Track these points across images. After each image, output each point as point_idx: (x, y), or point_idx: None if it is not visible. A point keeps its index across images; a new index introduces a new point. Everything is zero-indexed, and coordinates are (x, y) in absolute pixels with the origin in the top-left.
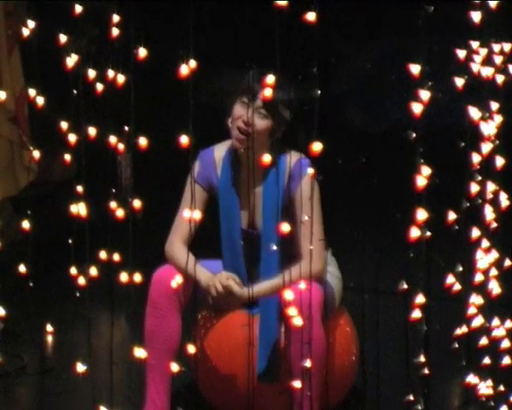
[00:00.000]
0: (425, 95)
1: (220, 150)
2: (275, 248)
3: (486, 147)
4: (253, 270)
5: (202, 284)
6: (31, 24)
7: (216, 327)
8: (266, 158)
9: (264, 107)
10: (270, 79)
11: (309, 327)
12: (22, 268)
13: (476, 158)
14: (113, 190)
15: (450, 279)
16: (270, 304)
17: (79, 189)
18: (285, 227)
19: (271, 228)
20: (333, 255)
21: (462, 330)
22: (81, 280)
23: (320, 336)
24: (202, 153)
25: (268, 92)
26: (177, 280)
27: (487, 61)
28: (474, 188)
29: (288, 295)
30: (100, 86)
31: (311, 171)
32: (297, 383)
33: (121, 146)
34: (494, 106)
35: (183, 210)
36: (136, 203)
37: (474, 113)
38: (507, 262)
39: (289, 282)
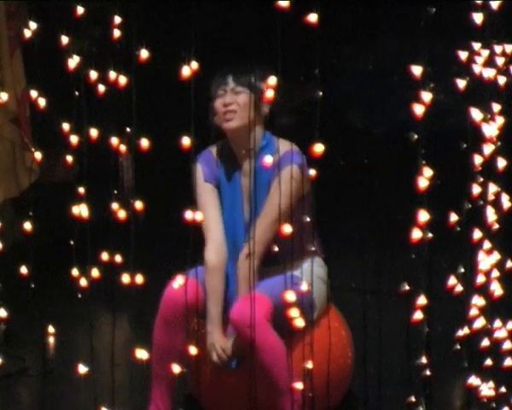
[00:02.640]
0: (427, 96)
1: (216, 149)
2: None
3: (488, 148)
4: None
5: (208, 338)
6: (33, 25)
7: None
8: (268, 159)
9: (237, 83)
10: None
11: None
12: (24, 269)
13: (478, 159)
14: (115, 192)
15: (452, 281)
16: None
17: (81, 190)
18: (287, 229)
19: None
20: (325, 263)
21: (463, 331)
22: (83, 281)
23: (266, 342)
24: (201, 155)
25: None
26: (178, 281)
27: (489, 62)
28: (476, 189)
29: (290, 296)
30: (102, 88)
31: (295, 167)
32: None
33: (123, 147)
34: (496, 107)
35: (208, 214)
36: (138, 205)
37: (476, 114)
38: (509, 264)
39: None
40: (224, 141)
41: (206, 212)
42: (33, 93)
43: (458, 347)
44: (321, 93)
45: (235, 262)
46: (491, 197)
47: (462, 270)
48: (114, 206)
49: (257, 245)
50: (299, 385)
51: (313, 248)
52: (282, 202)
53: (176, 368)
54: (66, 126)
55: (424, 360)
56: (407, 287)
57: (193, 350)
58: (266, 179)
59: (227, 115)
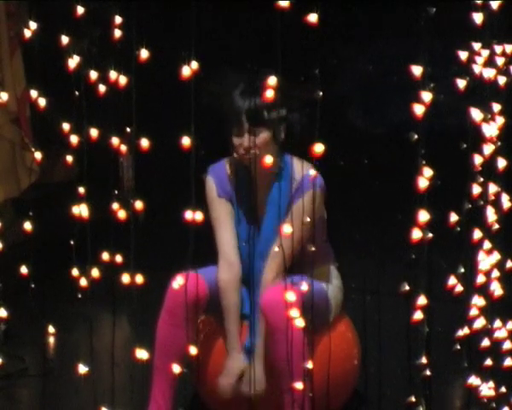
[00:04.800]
0: (427, 96)
1: (230, 164)
2: (276, 249)
3: (488, 148)
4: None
5: (227, 362)
6: (33, 25)
7: (216, 332)
8: (268, 160)
9: (255, 124)
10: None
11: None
12: (24, 269)
13: (478, 159)
14: (115, 192)
15: (452, 281)
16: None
17: (81, 190)
18: (287, 229)
19: (271, 234)
20: (337, 270)
21: (463, 331)
22: (83, 281)
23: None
24: (213, 168)
25: (268, 93)
26: (178, 281)
27: (489, 62)
28: (476, 189)
29: (290, 296)
30: (102, 87)
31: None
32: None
33: (123, 147)
34: (496, 107)
35: (219, 230)
36: (138, 204)
37: (476, 114)
38: (509, 264)
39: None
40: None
41: (219, 228)
42: (33, 93)
43: (458, 347)
44: (321, 93)
45: (249, 279)
46: (491, 197)
47: (463, 270)
48: (114, 206)
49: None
50: (299, 385)
51: (329, 259)
52: (303, 226)
53: (176, 367)
54: (66, 126)
55: (424, 360)
56: (407, 287)
57: (193, 350)
58: (284, 201)
59: (247, 157)
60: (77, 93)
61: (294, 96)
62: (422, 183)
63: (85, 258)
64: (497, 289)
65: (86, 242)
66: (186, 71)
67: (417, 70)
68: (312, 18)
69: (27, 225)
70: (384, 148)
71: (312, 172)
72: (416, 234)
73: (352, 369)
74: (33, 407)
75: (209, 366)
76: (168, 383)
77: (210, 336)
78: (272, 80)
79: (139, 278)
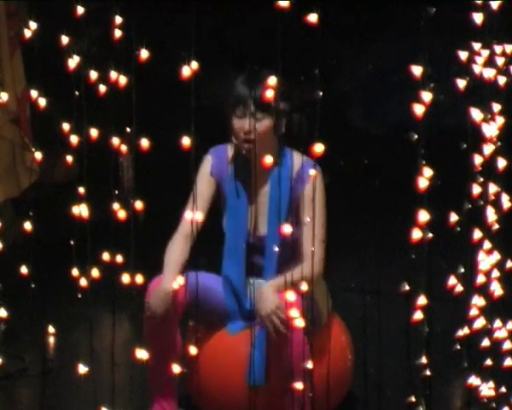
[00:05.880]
0: (427, 96)
1: (232, 150)
2: (277, 249)
3: (488, 148)
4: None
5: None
6: (33, 25)
7: (206, 339)
8: (268, 160)
9: (259, 109)
10: (271, 80)
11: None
12: (24, 270)
13: (478, 159)
14: (115, 192)
15: (452, 281)
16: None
17: (81, 190)
18: (287, 229)
19: (275, 229)
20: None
21: (463, 331)
22: (83, 281)
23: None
24: (215, 149)
25: (268, 93)
26: (178, 282)
27: (489, 62)
28: (476, 189)
29: (290, 296)
30: (102, 88)
31: (313, 172)
32: (299, 385)
33: (123, 147)
34: (496, 107)
35: (193, 206)
36: (138, 204)
37: (476, 114)
38: (509, 264)
39: (290, 283)
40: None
41: (191, 203)
42: (33, 93)
43: (458, 347)
44: (321, 93)
45: (238, 271)
46: (491, 197)
47: (462, 270)
48: (114, 206)
49: (319, 262)
50: (299, 385)
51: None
52: (317, 214)
53: (176, 367)
54: (66, 126)
55: (424, 359)
56: (407, 287)
57: (193, 350)
58: (284, 193)
59: (247, 145)
60: (77, 93)
61: (295, 94)
62: (422, 183)
63: (85, 258)
64: (497, 289)
65: (86, 242)
66: (186, 71)
67: (417, 70)
68: (312, 18)
69: (27, 225)
70: (384, 148)
71: (312, 164)
72: (416, 234)
73: (346, 371)
74: (33, 407)
75: (200, 372)
76: (166, 382)
77: (198, 343)
78: (272, 80)
79: (139, 278)
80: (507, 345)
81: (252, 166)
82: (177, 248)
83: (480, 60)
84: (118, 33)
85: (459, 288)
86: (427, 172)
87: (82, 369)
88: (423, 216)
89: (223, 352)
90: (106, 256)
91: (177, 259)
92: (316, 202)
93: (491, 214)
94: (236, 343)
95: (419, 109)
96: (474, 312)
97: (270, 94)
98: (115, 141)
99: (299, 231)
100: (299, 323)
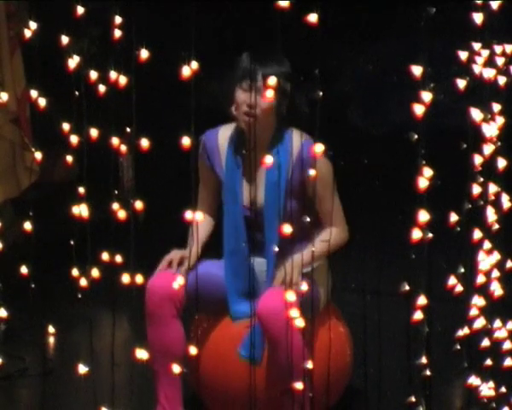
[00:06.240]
0: (427, 96)
1: (225, 132)
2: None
3: (488, 148)
4: (254, 253)
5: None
6: (33, 25)
7: (212, 331)
8: (268, 160)
9: (265, 83)
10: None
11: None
12: (24, 270)
13: (478, 159)
14: (115, 192)
15: (452, 281)
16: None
17: (81, 190)
18: (287, 229)
19: (274, 208)
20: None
21: (463, 331)
22: (83, 281)
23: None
24: (207, 135)
25: (269, 93)
26: (178, 281)
27: (489, 62)
28: (476, 189)
29: (290, 296)
30: (102, 88)
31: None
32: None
33: (123, 147)
34: (496, 107)
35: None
36: (138, 205)
37: (476, 114)
38: (509, 264)
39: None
40: (236, 125)
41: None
42: (33, 93)
43: (458, 347)
44: (321, 93)
45: (236, 254)
46: (491, 197)
47: (463, 270)
48: (114, 206)
49: (344, 228)
50: (299, 385)
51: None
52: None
53: (176, 367)
54: (66, 126)
55: (424, 359)
56: (407, 287)
57: (193, 350)
58: (284, 172)
59: (247, 116)
60: (77, 93)
61: (297, 77)
62: (422, 183)
63: (85, 258)
64: (497, 289)
65: (86, 242)
66: (186, 71)
67: (417, 70)
68: (312, 18)
69: (27, 225)
70: (384, 148)
71: (311, 142)
72: (416, 234)
73: (345, 365)
74: (33, 407)
75: (205, 365)
76: (170, 384)
77: (204, 334)
78: (272, 80)
79: (139, 278)
80: (507, 345)
81: (249, 144)
82: (203, 224)
83: (480, 60)
84: (118, 33)
85: (459, 288)
86: (427, 172)
87: (82, 369)
88: (423, 216)
89: (227, 343)
90: (106, 256)
91: (202, 235)
92: (325, 182)
93: (491, 214)
94: (240, 333)
95: (419, 109)
96: (474, 312)
97: (270, 94)
98: (115, 141)
99: (300, 207)
100: (299, 323)
